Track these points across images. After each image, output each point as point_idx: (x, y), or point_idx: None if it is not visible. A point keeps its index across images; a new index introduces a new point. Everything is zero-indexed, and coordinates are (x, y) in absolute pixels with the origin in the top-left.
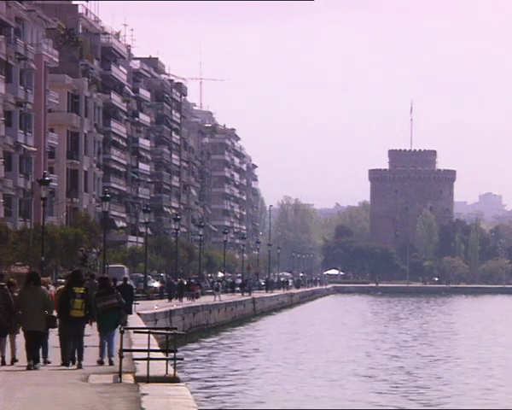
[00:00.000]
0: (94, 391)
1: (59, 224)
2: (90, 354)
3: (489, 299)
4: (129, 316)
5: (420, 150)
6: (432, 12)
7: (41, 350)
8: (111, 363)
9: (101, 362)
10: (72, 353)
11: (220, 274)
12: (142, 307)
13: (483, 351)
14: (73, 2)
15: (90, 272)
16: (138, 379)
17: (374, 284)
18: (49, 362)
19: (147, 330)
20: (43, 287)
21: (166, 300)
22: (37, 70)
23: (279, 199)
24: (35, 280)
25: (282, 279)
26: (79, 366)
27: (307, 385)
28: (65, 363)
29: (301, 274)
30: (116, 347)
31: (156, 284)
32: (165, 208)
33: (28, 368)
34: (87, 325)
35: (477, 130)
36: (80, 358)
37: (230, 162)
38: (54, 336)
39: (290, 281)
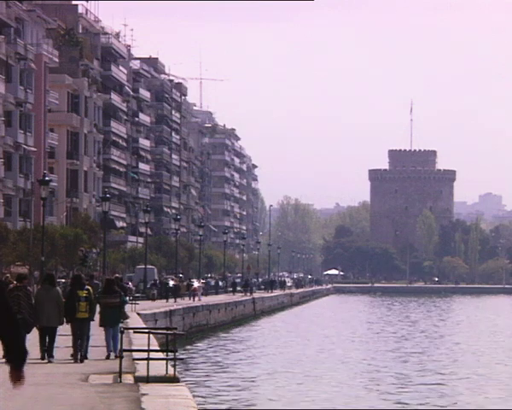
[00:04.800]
0: (94, 391)
1: (59, 224)
2: (93, 352)
3: (490, 299)
4: None
5: (420, 150)
6: (432, 12)
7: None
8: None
9: (108, 357)
10: (76, 350)
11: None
12: (142, 307)
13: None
14: (73, 2)
15: (90, 273)
16: (138, 379)
17: (370, 285)
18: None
19: (147, 331)
20: (57, 288)
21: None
22: (37, 70)
23: (279, 199)
24: (50, 281)
25: (282, 279)
26: (82, 361)
27: (307, 385)
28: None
29: (309, 276)
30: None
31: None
32: (165, 208)
33: (42, 359)
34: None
35: (477, 130)
36: (85, 354)
37: (230, 162)
38: (57, 337)
39: (289, 281)
